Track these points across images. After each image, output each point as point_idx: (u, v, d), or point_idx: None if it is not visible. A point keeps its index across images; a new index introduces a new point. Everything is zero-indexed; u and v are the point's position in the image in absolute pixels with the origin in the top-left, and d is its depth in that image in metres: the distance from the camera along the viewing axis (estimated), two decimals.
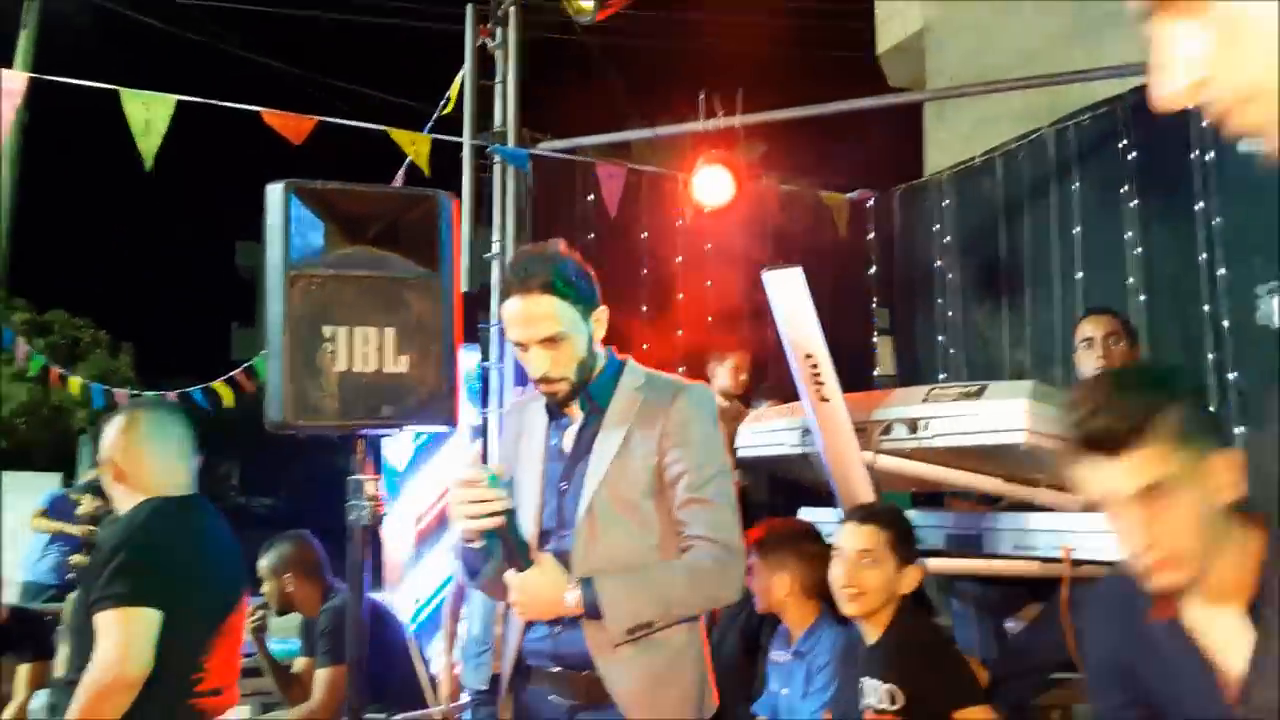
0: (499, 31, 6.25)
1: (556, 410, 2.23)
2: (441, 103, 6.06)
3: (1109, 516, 1.45)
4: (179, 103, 4.58)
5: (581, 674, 2.07)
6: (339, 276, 2.63)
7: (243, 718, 3.84)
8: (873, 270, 6.84)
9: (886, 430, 3.18)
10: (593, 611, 1.99)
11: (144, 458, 2.59)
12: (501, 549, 2.06)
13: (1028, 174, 5.72)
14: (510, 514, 2.04)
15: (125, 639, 2.31)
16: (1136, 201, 5.03)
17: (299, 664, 4.08)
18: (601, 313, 2.19)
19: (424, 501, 5.08)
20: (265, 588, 3.97)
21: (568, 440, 2.21)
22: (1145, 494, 1.39)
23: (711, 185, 5.50)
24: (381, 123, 5.25)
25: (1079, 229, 5.36)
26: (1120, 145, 5.11)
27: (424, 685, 3.76)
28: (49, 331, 15.75)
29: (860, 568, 2.62)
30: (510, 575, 2.04)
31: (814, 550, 3.03)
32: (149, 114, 4.49)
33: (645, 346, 5.48)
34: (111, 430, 2.64)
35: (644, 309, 6.04)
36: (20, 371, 14.99)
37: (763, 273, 3.19)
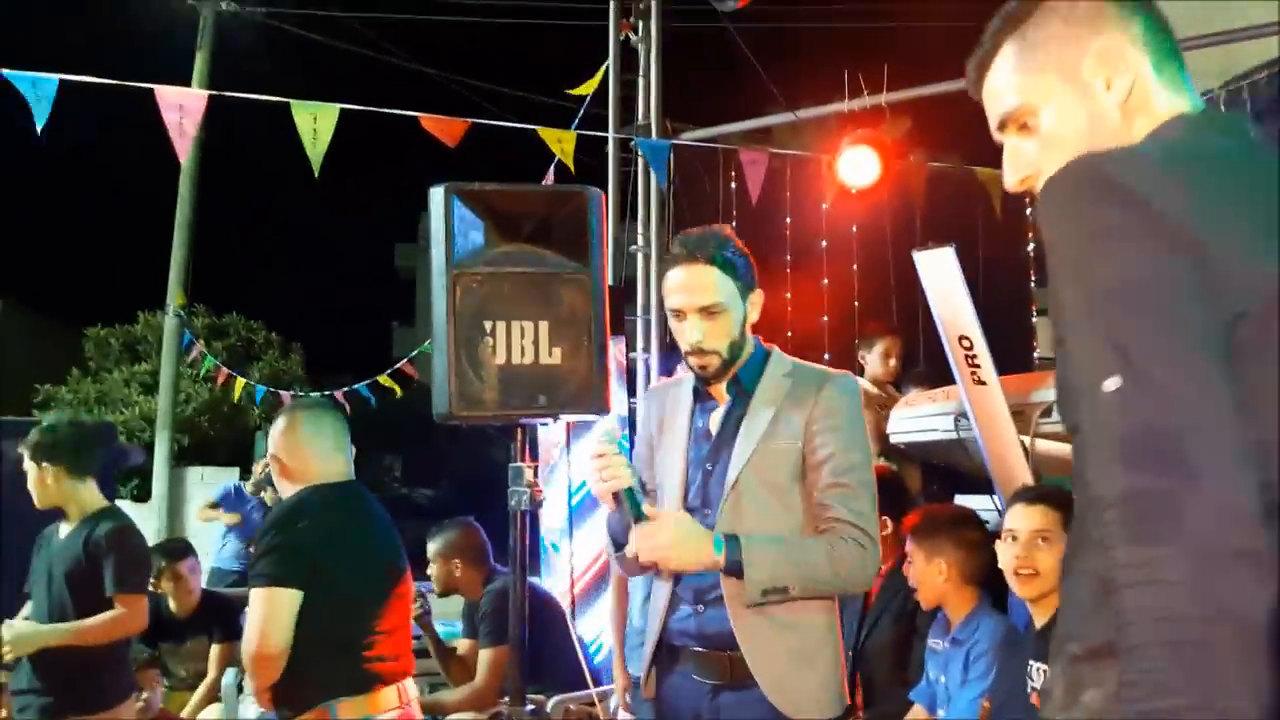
0: (641, 25, 6.31)
1: (703, 392, 2.27)
2: (583, 98, 6.16)
3: None
4: (342, 111, 4.81)
5: (724, 654, 2.10)
6: (497, 274, 2.76)
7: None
8: (1031, 247, 6.58)
9: (1046, 413, 3.06)
10: (734, 568, 2.02)
11: (304, 452, 2.76)
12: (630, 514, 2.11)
13: None
14: (633, 478, 2.11)
15: (263, 617, 2.48)
16: None
17: (461, 646, 4.24)
18: (757, 297, 2.24)
19: (575, 483, 5.19)
20: (432, 570, 4.13)
21: (714, 422, 2.24)
22: None
23: (857, 166, 5.41)
24: (529, 121, 5.38)
25: None
26: None
27: (584, 669, 3.84)
28: (226, 334, 16.74)
29: (1034, 549, 2.56)
30: (649, 524, 2.07)
31: (973, 537, 2.95)
32: (316, 124, 4.74)
33: (790, 334, 5.45)
34: (275, 429, 2.83)
35: (788, 295, 5.99)
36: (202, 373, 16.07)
37: (913, 253, 3.12)
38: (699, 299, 2.16)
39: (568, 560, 5.11)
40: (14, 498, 4.58)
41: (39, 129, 4.42)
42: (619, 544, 2.22)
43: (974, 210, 6.40)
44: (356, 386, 8.67)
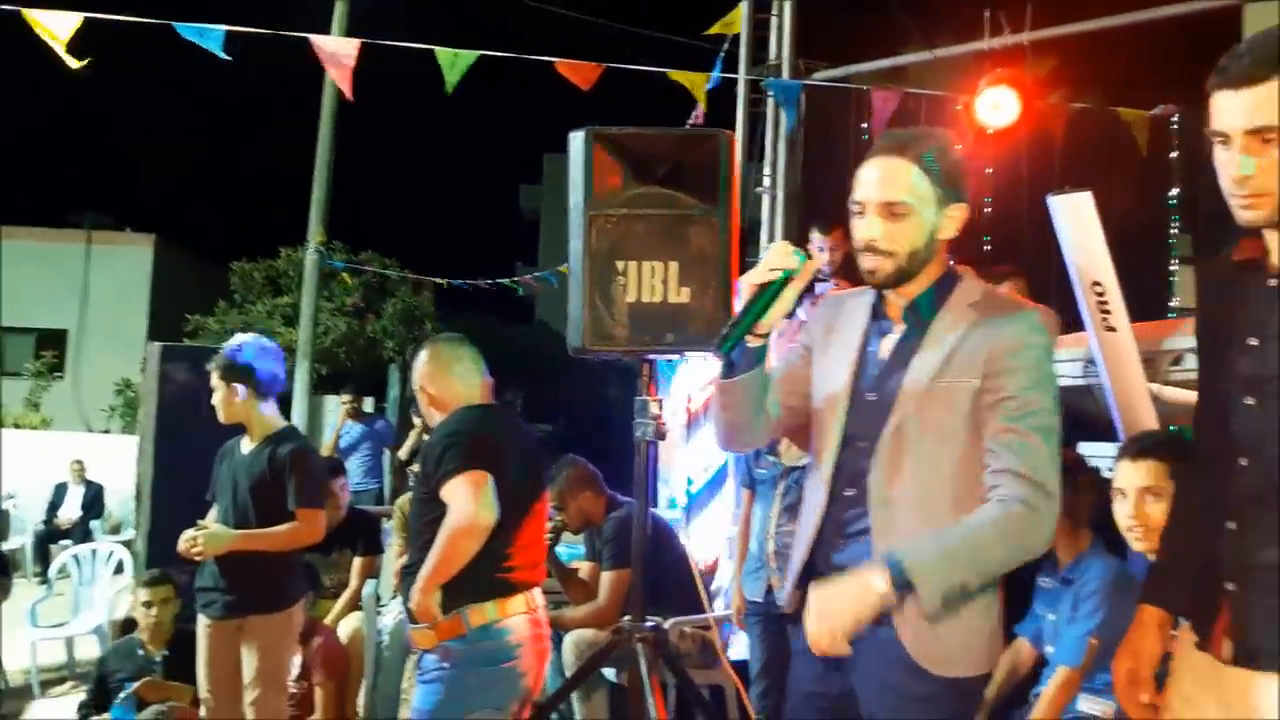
0: None
1: (881, 311, 2.06)
2: (721, 37, 6.15)
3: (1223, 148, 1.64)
4: (480, 56, 4.99)
5: None
6: (631, 215, 2.90)
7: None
8: (1175, 192, 6.32)
9: (1177, 361, 3.01)
10: (903, 588, 1.84)
11: (449, 380, 2.94)
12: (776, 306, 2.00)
13: None
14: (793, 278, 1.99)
15: (473, 493, 2.64)
16: None
17: (584, 568, 4.43)
18: (958, 210, 1.98)
19: (695, 384, 5.30)
20: (564, 510, 4.29)
21: (885, 347, 2.03)
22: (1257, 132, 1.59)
23: (996, 106, 5.29)
24: (666, 63, 5.44)
25: None
26: None
27: (700, 595, 3.99)
28: (363, 271, 17.36)
29: (1143, 504, 2.49)
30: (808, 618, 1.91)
31: (1081, 480, 2.92)
32: (456, 60, 4.95)
33: None
34: (418, 363, 3.00)
35: None
36: (340, 307, 16.73)
37: (1048, 198, 3.08)
38: (883, 193, 1.93)
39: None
40: (180, 416, 4.99)
41: (223, 57, 4.68)
42: (731, 366, 2.06)
43: (1116, 153, 6.18)
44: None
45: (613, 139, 2.99)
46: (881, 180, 1.94)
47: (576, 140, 2.96)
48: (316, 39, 4.72)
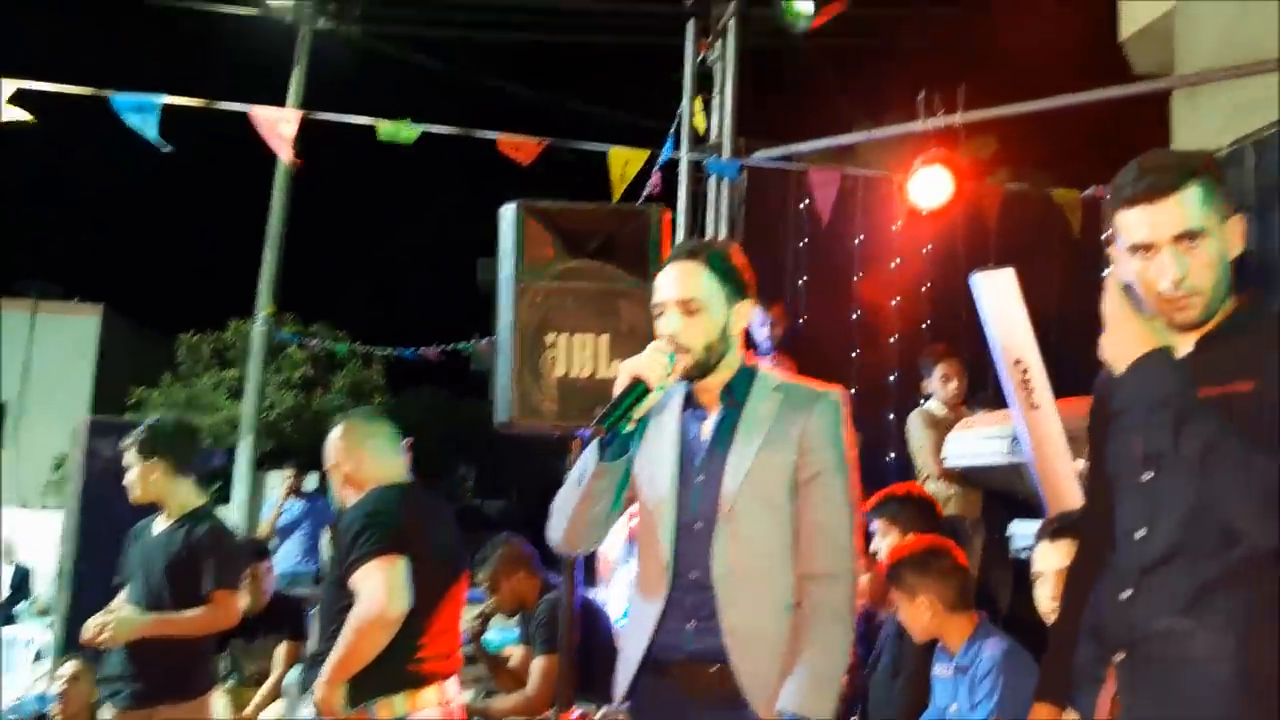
0: (718, 45, 6.33)
1: (694, 399, 2.21)
2: (673, 126, 6.23)
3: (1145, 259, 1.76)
4: (424, 132, 5.02)
5: (712, 667, 2.05)
6: (561, 288, 2.89)
7: (464, 701, 4.10)
8: (1107, 272, 6.43)
9: None
10: None
11: (364, 458, 2.85)
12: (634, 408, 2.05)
13: None
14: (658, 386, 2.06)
15: (386, 581, 2.54)
16: None
17: (516, 654, 4.30)
18: (745, 307, 2.19)
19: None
20: (496, 590, 4.17)
21: (706, 431, 2.18)
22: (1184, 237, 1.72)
23: (929, 186, 5.36)
24: (609, 139, 5.47)
25: None
26: None
27: None
28: (312, 344, 17.18)
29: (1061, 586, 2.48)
30: None
31: (948, 565, 2.96)
32: (401, 136, 4.98)
33: (856, 354, 5.41)
34: (331, 440, 2.91)
35: (856, 315, 5.95)
36: (287, 380, 16.52)
37: (972, 276, 3.11)
38: (677, 291, 2.13)
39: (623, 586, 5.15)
40: (107, 494, 4.82)
41: (158, 147, 4.66)
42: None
43: (1050, 234, 6.29)
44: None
45: (544, 212, 2.99)
46: (675, 280, 2.14)
47: (507, 213, 2.96)
48: (255, 110, 4.70)
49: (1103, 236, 1.90)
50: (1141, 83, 7.84)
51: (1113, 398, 1.91)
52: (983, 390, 5.21)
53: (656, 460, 2.19)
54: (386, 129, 5.05)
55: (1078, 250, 6.30)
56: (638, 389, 2.05)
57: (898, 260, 6.16)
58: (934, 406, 5.11)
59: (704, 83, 6.42)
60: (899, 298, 6.05)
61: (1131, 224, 1.79)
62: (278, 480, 14.72)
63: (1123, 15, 9.04)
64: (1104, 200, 1.91)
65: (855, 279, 6.05)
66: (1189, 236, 1.74)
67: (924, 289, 6.06)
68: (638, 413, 2.09)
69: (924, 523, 3.42)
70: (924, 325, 5.98)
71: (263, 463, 14.79)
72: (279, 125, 4.65)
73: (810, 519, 2.10)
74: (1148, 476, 1.75)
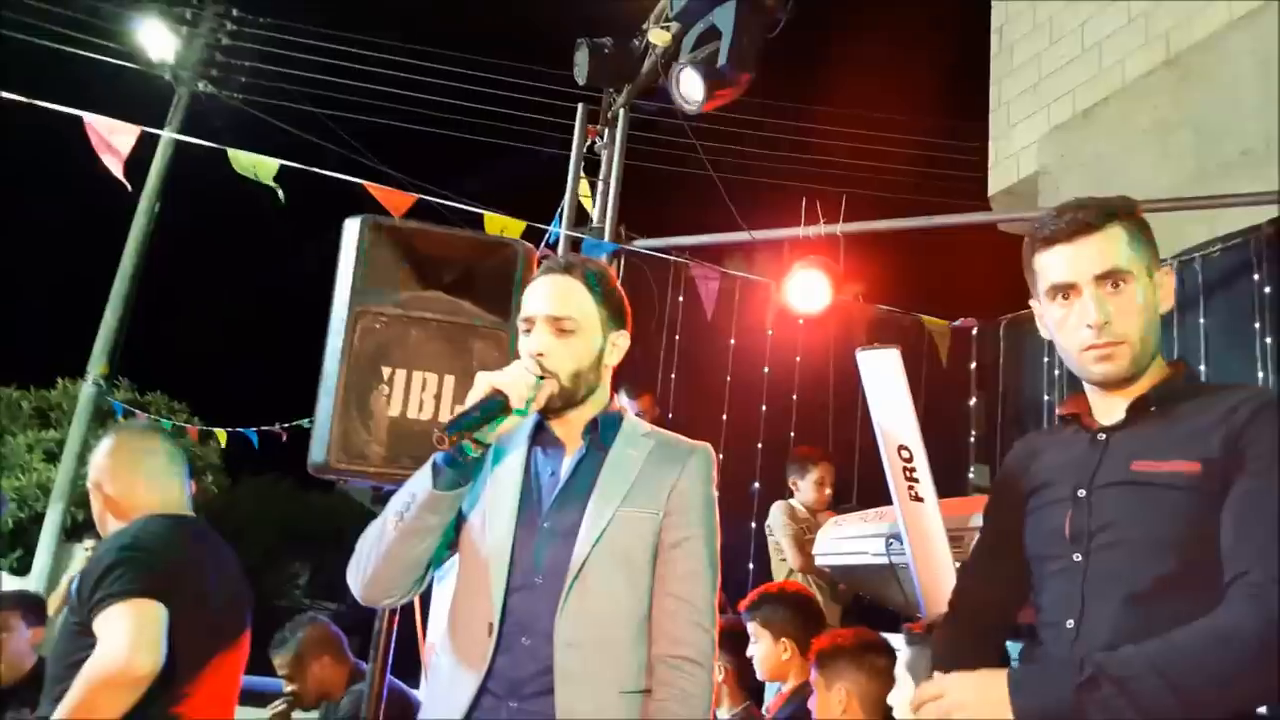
0: (607, 132, 6.28)
1: (548, 432, 1.93)
2: (559, 212, 6.08)
3: (1066, 304, 1.61)
4: (285, 191, 4.65)
5: None
6: (405, 317, 2.48)
7: None
8: (973, 402, 6.45)
9: None
10: None
11: (133, 478, 2.37)
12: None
13: None
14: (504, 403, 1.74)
15: (134, 629, 2.04)
16: (1271, 339, 4.62)
17: None
18: (620, 338, 1.97)
19: None
20: (299, 677, 3.69)
21: (563, 471, 1.89)
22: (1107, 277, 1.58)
23: (806, 291, 5.28)
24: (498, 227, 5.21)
25: (1204, 367, 4.95)
26: (1254, 278, 4.74)
27: None
28: (146, 412, 16.10)
29: None
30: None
31: (879, 664, 2.67)
32: (256, 171, 4.59)
33: (720, 457, 5.18)
34: (96, 455, 2.42)
35: (725, 416, 5.76)
36: None
37: (857, 352, 2.91)
38: (554, 308, 1.88)
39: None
40: None
41: None
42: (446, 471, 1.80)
43: (918, 360, 6.28)
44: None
45: (397, 231, 2.63)
46: (553, 296, 1.89)
47: (351, 227, 2.58)
48: (91, 118, 4.25)
49: (1029, 300, 1.71)
50: (1006, 211, 8.17)
51: (1028, 472, 1.70)
52: (847, 502, 5.05)
53: (493, 499, 1.87)
54: (243, 160, 4.67)
55: (944, 380, 6.31)
56: (497, 402, 1.72)
57: (767, 369, 6.03)
58: (799, 503, 4.96)
59: (590, 168, 6.31)
60: (767, 404, 5.89)
61: (1050, 264, 1.62)
62: (84, 552, 13.53)
63: (991, 175, 9.49)
64: (1024, 244, 1.73)
65: (727, 380, 5.87)
66: (1112, 277, 1.58)
67: (792, 398, 5.92)
68: (490, 436, 1.76)
69: (800, 623, 3.17)
70: (789, 435, 5.82)
71: (71, 533, 13.54)
72: (114, 137, 4.20)
73: (672, 591, 1.84)
74: (1076, 558, 1.55)
